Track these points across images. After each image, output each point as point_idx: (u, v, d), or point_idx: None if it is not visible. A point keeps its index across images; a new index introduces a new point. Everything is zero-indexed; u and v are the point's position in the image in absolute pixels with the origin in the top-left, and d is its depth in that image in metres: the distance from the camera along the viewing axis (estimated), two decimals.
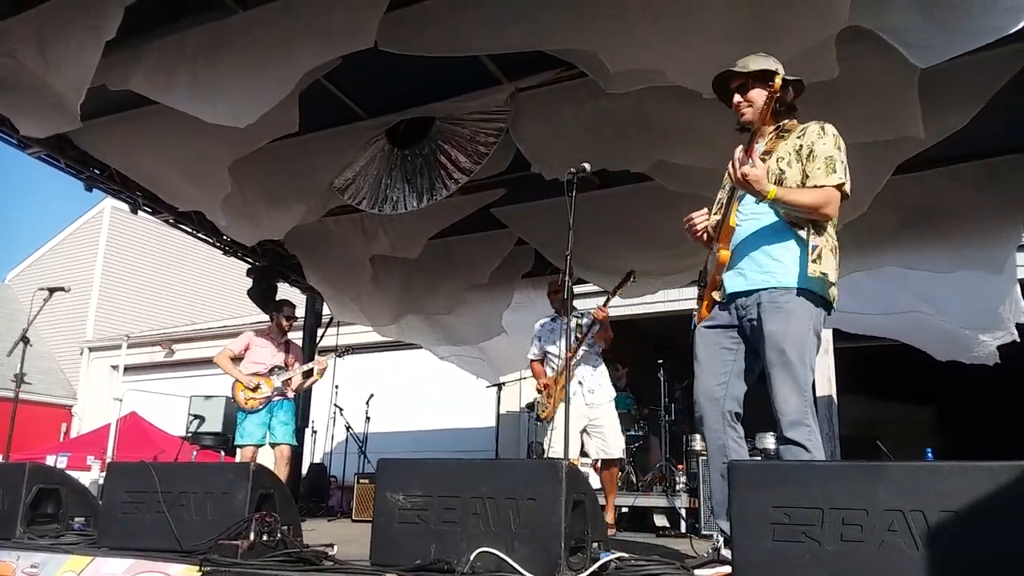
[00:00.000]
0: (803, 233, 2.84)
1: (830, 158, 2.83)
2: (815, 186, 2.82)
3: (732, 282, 2.98)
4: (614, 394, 5.45)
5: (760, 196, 2.82)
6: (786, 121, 3.02)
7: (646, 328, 11.78)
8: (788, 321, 2.79)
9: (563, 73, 5.05)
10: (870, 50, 4.18)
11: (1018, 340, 6.60)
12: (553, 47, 4.50)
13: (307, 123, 5.40)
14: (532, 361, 5.70)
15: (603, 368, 5.45)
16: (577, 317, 5.39)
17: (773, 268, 2.88)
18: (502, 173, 6.02)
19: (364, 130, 5.85)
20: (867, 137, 4.41)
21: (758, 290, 2.89)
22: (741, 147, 2.89)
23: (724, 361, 3.00)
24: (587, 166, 4.01)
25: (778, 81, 2.82)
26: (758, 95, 2.96)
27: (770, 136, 3.02)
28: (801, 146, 2.90)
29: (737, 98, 3.02)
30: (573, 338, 5.26)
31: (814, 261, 2.80)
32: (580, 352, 5.33)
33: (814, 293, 2.83)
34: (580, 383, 5.31)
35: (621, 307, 10.51)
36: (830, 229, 2.88)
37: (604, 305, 5.36)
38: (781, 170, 2.90)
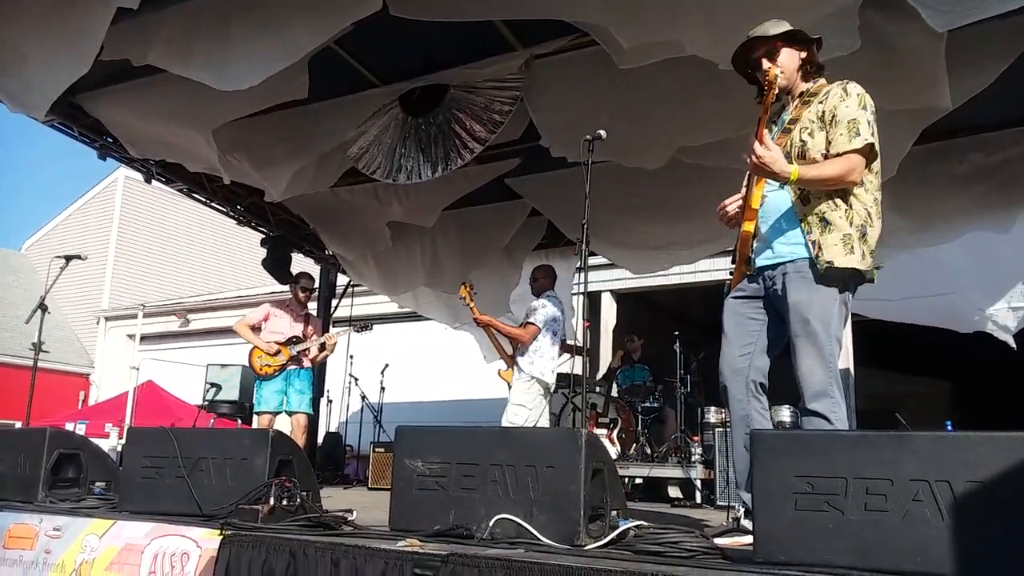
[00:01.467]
0: (830, 205, 2.75)
1: (853, 121, 2.71)
2: (838, 154, 2.71)
3: (761, 254, 2.93)
4: (519, 380, 5.55)
5: (781, 180, 2.76)
6: (811, 84, 2.92)
7: (662, 300, 11.77)
8: (813, 291, 2.73)
9: (578, 40, 4.96)
10: (894, 18, 4.10)
11: None
12: (565, 18, 4.42)
13: (320, 90, 5.35)
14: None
15: (519, 356, 5.63)
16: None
17: (800, 239, 2.80)
18: (516, 142, 5.97)
19: (377, 97, 5.79)
20: (891, 105, 4.32)
21: (785, 261, 2.83)
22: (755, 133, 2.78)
23: (749, 332, 2.95)
24: (603, 133, 3.97)
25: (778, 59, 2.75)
26: (788, 58, 2.87)
27: (796, 104, 2.91)
28: (823, 112, 2.78)
29: (766, 65, 2.84)
30: None
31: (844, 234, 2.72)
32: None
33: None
34: None
35: (637, 280, 10.49)
36: (862, 196, 2.77)
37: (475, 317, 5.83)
38: (803, 141, 2.81)
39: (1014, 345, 6.80)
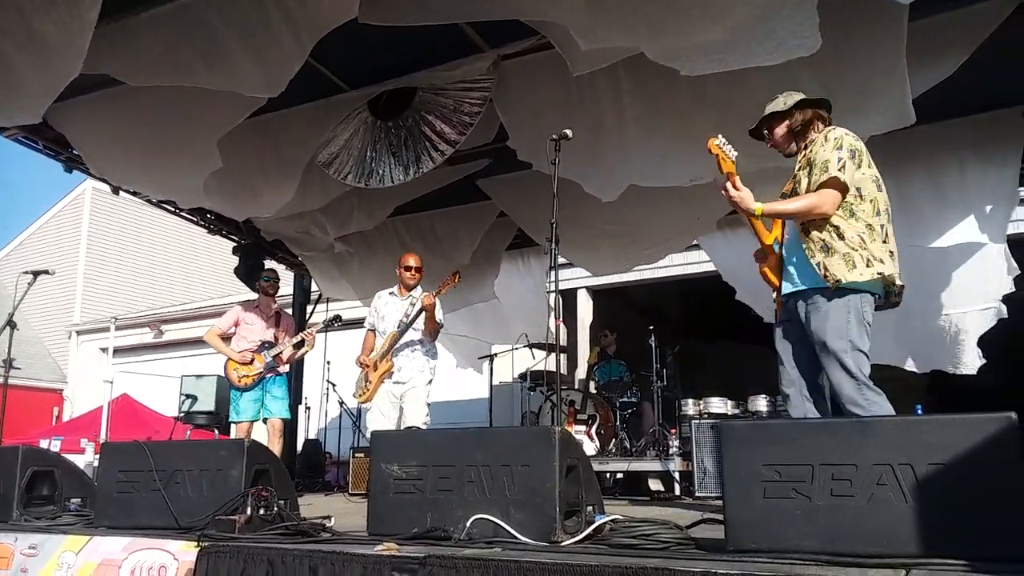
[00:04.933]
0: (829, 233, 3.19)
1: (824, 162, 3.20)
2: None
3: (785, 285, 3.42)
4: (424, 373, 5.38)
5: (750, 214, 3.31)
6: (814, 135, 3.40)
7: (637, 295, 11.83)
8: (826, 317, 3.17)
9: (544, 40, 4.99)
10: (856, 40, 4.24)
11: (1006, 316, 6.17)
12: (528, 17, 4.46)
13: (287, 96, 5.33)
14: (367, 331, 5.64)
15: (420, 351, 5.40)
16: (412, 301, 5.44)
17: (808, 270, 3.26)
18: (487, 143, 5.99)
19: (345, 102, 5.78)
20: (862, 135, 4.47)
21: (801, 289, 3.31)
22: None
23: (793, 352, 3.41)
24: (568, 132, 4.01)
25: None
26: (777, 133, 3.50)
27: (803, 154, 3.42)
28: (809, 159, 3.32)
29: (770, 143, 3.56)
30: (398, 324, 5.36)
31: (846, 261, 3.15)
32: (405, 336, 5.35)
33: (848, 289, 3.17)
34: (398, 368, 5.35)
35: (612, 276, 10.54)
36: (853, 224, 3.17)
37: (435, 293, 5.31)
38: (795, 186, 3.36)
39: (983, 358, 6.40)
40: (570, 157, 4.20)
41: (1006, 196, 5.93)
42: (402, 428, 5.15)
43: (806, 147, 3.41)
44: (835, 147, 3.21)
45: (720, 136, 3.35)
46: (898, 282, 3.24)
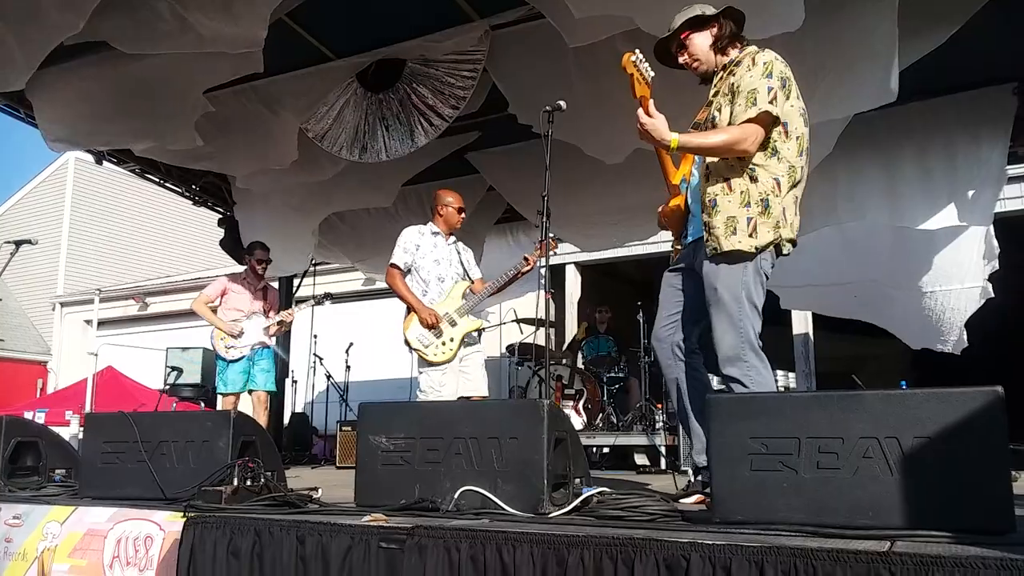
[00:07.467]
0: (722, 188, 2.81)
1: (752, 91, 2.75)
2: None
3: (690, 229, 3.08)
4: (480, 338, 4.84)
5: (664, 146, 2.84)
6: (736, 54, 2.94)
7: (626, 271, 11.85)
8: (722, 261, 2.82)
9: (536, 9, 4.93)
10: (846, 20, 4.18)
11: (992, 296, 6.15)
12: None
13: (276, 63, 5.25)
14: (393, 267, 4.66)
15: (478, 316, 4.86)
16: (458, 249, 4.83)
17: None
18: (476, 115, 5.92)
19: (333, 71, 5.69)
20: (847, 112, 4.45)
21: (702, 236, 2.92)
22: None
23: (676, 302, 3.09)
24: (562, 104, 3.95)
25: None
26: (699, 43, 2.97)
27: (720, 76, 2.96)
28: (732, 84, 2.84)
29: (683, 58, 3.02)
30: (462, 275, 4.77)
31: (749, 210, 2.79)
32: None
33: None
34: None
35: (601, 251, 10.53)
36: (771, 166, 2.78)
37: (537, 258, 4.57)
38: (713, 115, 2.88)
39: (967, 342, 6.42)
40: (571, 122, 4.11)
41: (994, 175, 5.90)
42: (464, 396, 4.58)
43: (724, 69, 2.93)
44: (764, 74, 2.76)
45: (637, 52, 2.83)
46: (791, 238, 2.84)
